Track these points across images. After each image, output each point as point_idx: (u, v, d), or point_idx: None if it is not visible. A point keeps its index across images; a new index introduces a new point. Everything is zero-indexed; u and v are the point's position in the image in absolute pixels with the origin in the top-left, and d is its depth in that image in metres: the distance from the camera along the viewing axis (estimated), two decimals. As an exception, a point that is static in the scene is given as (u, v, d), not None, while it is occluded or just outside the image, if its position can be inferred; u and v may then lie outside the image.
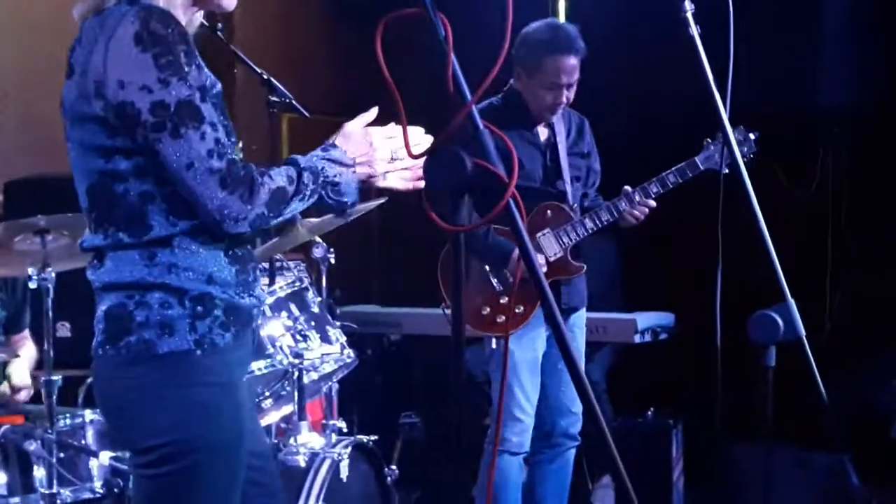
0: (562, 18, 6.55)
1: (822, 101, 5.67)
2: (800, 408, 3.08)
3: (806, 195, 5.98)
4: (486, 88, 1.96)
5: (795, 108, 5.66)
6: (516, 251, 4.20)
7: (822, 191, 6.03)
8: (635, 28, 5.96)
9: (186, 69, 2.20)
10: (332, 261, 4.36)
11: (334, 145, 2.41)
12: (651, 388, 5.55)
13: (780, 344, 2.65)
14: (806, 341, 2.62)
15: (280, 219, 2.30)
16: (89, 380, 4.76)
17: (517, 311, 4.24)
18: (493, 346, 4.36)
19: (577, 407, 4.40)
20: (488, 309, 4.29)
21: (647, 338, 5.46)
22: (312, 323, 3.95)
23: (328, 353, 3.92)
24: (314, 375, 3.95)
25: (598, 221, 4.32)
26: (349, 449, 3.83)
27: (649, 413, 5.23)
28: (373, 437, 4.08)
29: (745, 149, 4.27)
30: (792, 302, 2.63)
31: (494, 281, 4.33)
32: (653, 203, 4.32)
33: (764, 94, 5.50)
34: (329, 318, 4.09)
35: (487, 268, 4.34)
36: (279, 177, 2.29)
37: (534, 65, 4.24)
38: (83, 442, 3.62)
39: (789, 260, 2.67)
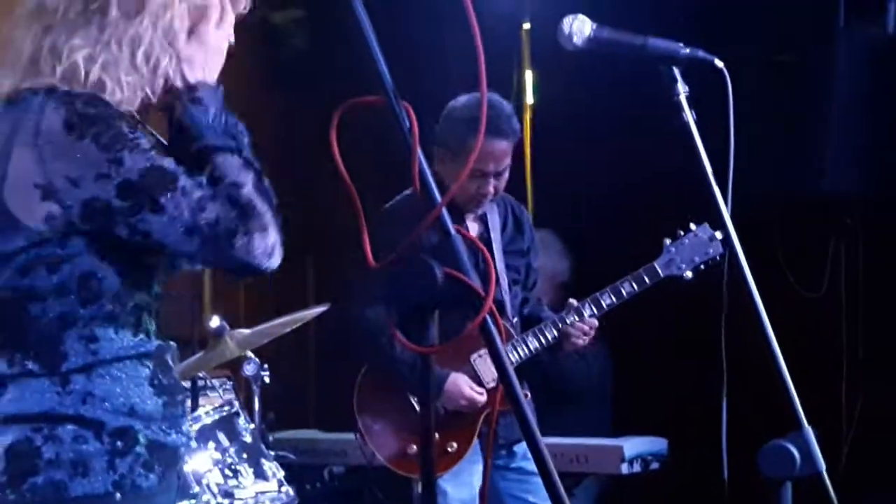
0: (528, 94, 6.69)
1: (831, 188, 5.78)
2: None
3: (816, 296, 6.07)
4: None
5: (801, 196, 5.78)
6: (451, 378, 4.21)
7: (833, 291, 6.12)
8: (611, 106, 6.09)
9: (132, 137, 2.23)
10: (266, 379, 4.37)
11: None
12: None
13: (795, 479, 2.68)
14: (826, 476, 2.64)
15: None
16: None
17: (449, 449, 4.22)
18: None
19: None
20: (414, 447, 4.20)
21: (637, 468, 5.46)
22: (244, 455, 3.94)
23: (263, 492, 3.92)
24: (246, 519, 3.93)
25: (543, 340, 4.27)
26: None
27: (641, 556, 5.24)
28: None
29: (710, 250, 4.31)
30: (809, 430, 2.66)
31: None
32: (595, 323, 4.27)
33: (762, 180, 5.59)
34: (263, 448, 4.09)
35: (413, 399, 4.23)
36: (240, 172, 2.29)
37: (457, 147, 4.12)
38: None
39: (799, 373, 2.70)
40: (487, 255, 1.99)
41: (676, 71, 2.68)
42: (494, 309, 1.98)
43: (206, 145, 2.30)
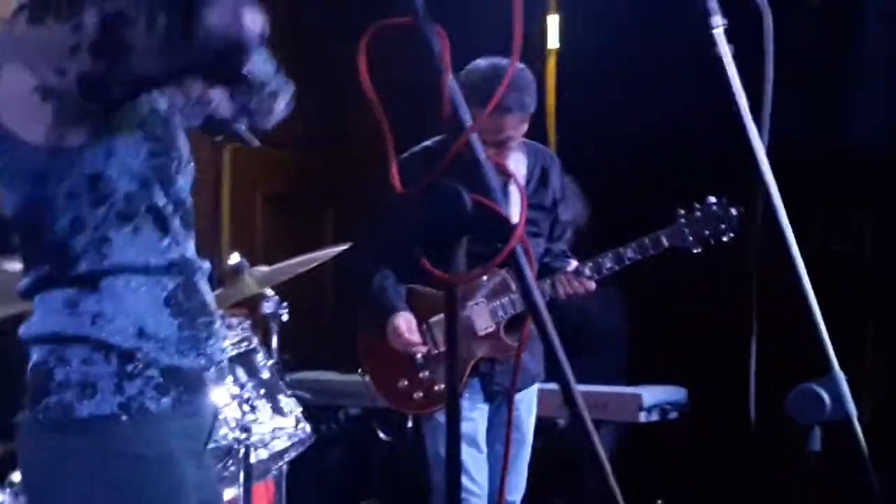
0: (552, 39, 6.59)
1: (861, 141, 5.71)
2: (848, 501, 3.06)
3: (843, 249, 6.01)
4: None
5: (832, 149, 5.71)
6: (393, 317, 4.29)
7: (860, 243, 6.06)
8: (636, 54, 6.01)
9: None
10: (285, 318, 4.33)
11: None
12: (659, 475, 5.52)
13: (825, 424, 2.63)
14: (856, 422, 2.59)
15: None
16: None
17: (437, 389, 4.31)
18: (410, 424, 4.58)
19: (516, 495, 4.44)
20: (405, 382, 4.36)
21: (655, 416, 5.45)
22: (262, 391, 3.92)
23: (280, 428, 3.89)
24: (263, 454, 3.91)
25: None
26: (302, 543, 3.79)
27: (658, 505, 5.23)
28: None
29: (723, 226, 4.25)
30: (840, 373, 2.61)
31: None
32: (592, 286, 4.28)
33: (795, 131, 5.53)
34: (281, 384, 4.06)
35: None
36: None
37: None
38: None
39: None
40: (520, 182, 1.92)
41: (714, 1, 2.61)
42: (525, 237, 1.92)
43: None
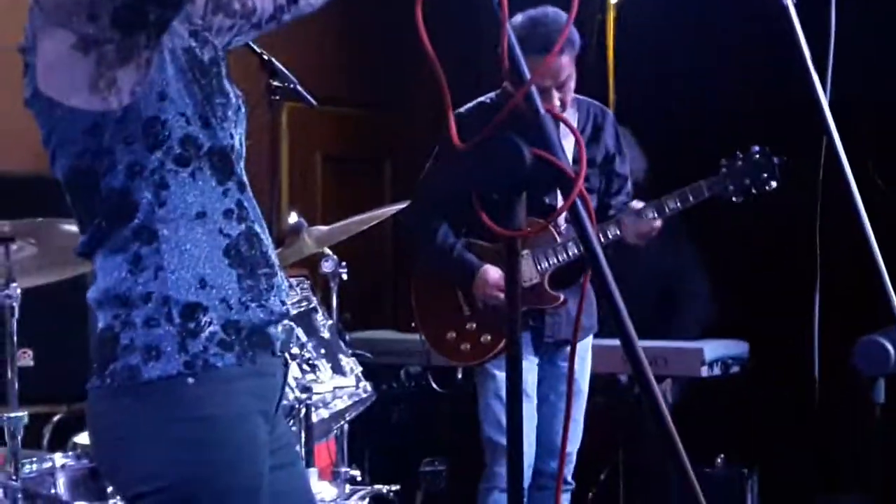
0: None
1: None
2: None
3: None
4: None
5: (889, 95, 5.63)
6: (485, 267, 4.34)
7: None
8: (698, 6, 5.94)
9: None
10: (344, 276, 4.34)
11: None
12: (722, 430, 5.50)
13: (890, 376, 2.61)
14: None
15: None
16: (56, 417, 4.76)
17: (482, 340, 4.38)
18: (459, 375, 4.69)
19: (573, 445, 4.46)
20: (453, 334, 4.45)
21: (717, 371, 5.42)
22: (322, 350, 3.93)
23: (341, 387, 3.91)
24: (324, 413, 3.92)
25: (603, 238, 4.27)
26: (365, 501, 3.80)
27: (719, 460, 5.19)
28: (392, 488, 4.06)
29: (766, 175, 4.21)
30: (905, 325, 2.58)
31: (465, 304, 4.42)
32: (658, 223, 4.28)
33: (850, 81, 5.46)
34: (342, 344, 4.07)
35: (456, 288, 4.46)
36: None
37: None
38: (53, 491, 3.59)
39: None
40: (579, 135, 1.91)
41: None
42: (584, 191, 1.91)
43: None
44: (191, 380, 2.21)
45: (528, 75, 1.92)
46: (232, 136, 2.32)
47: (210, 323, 2.24)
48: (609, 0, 6.48)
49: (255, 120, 4.49)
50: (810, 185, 2.88)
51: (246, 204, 2.33)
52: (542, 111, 1.93)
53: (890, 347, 2.57)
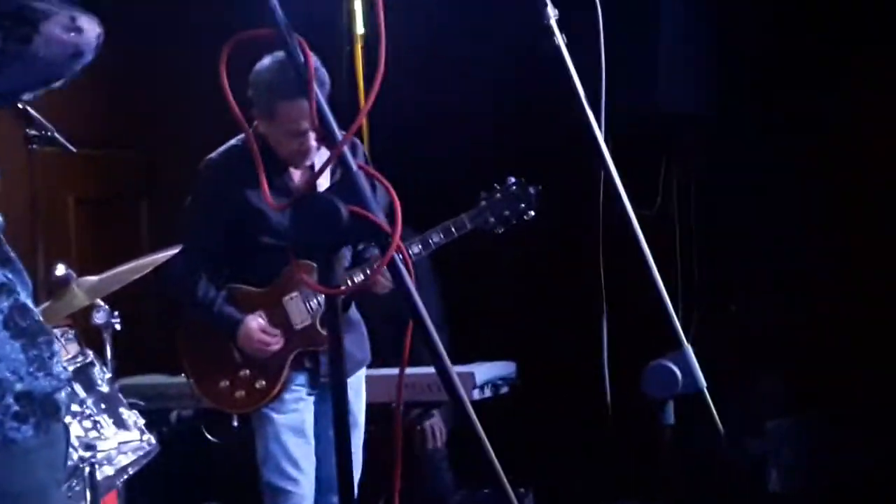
0: (359, 24, 6.56)
1: (662, 107, 5.85)
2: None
3: (650, 214, 6.17)
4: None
5: (633, 116, 5.85)
6: (246, 321, 4.27)
7: (666, 209, 6.23)
8: (451, 41, 6.04)
9: None
10: (118, 326, 4.27)
11: None
12: (496, 451, 5.59)
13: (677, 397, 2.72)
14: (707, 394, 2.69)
15: None
16: None
17: (257, 386, 4.32)
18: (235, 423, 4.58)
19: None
20: (226, 382, 4.36)
21: (488, 393, 5.50)
22: (102, 406, 3.87)
23: (125, 442, 3.83)
24: (109, 470, 3.85)
25: (369, 272, 4.17)
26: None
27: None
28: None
29: (523, 205, 4.38)
30: (689, 348, 2.70)
31: (235, 352, 4.36)
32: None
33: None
34: (121, 397, 4.00)
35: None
36: None
37: (267, 110, 4.15)
38: None
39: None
40: (391, 190, 1.95)
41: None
42: (402, 245, 1.94)
43: None
44: None
45: (339, 136, 1.94)
46: None
47: (4, 394, 2.17)
48: (356, 32, 6.53)
49: (14, 168, 4.37)
50: (590, 209, 2.98)
51: (12, 277, 2.27)
52: (355, 168, 1.96)
53: (677, 371, 2.68)
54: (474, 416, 2.01)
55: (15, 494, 2.18)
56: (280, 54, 4.09)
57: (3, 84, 2.12)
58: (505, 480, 2.03)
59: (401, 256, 1.94)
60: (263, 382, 4.31)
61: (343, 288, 1.97)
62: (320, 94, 4.08)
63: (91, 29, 2.16)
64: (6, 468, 2.16)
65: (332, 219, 1.92)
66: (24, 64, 2.09)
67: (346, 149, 1.95)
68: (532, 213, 4.37)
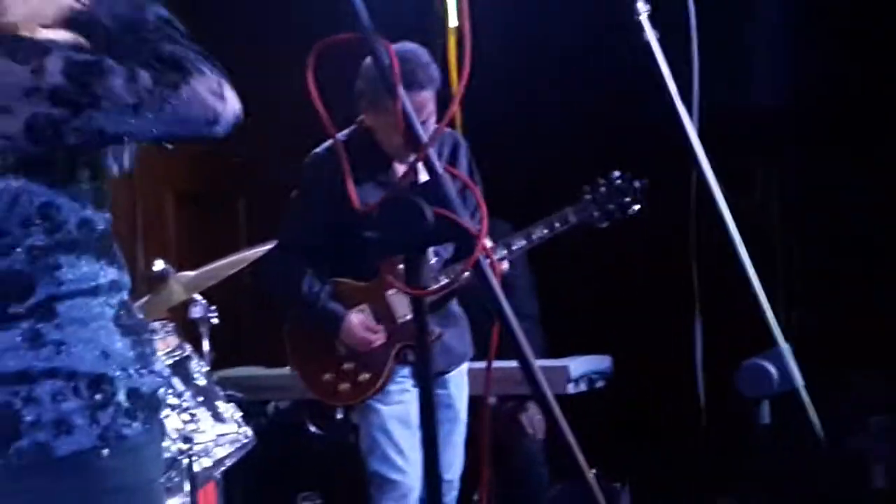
0: (452, 17, 6.55)
1: (760, 103, 5.79)
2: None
3: (750, 206, 6.11)
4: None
5: (726, 112, 5.79)
6: (349, 317, 4.30)
7: (766, 201, 6.16)
8: (543, 30, 6.02)
9: (43, 41, 2.13)
10: (215, 321, 4.32)
11: None
12: (591, 445, 5.57)
13: (773, 397, 2.68)
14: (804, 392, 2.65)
15: None
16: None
17: (360, 379, 4.35)
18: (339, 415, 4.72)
19: (452, 473, 4.51)
20: (331, 375, 4.39)
21: (583, 387, 5.48)
22: (200, 398, 3.91)
23: (222, 434, 3.88)
24: (207, 462, 3.90)
25: (454, 276, 4.22)
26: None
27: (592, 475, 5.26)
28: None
29: (628, 199, 4.35)
30: (786, 347, 2.66)
31: (340, 345, 4.39)
32: (504, 266, 4.30)
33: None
34: (218, 390, 4.05)
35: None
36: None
37: (376, 102, 4.20)
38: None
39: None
40: (478, 193, 1.95)
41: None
42: (487, 247, 1.94)
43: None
44: (105, 451, 2.19)
45: (424, 138, 1.94)
46: (103, 215, 2.32)
47: (115, 392, 2.22)
48: (448, 24, 6.52)
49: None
50: (683, 205, 2.94)
51: (114, 276, 2.31)
52: (441, 171, 1.95)
53: (772, 370, 2.65)
54: (558, 412, 2.00)
55: (130, 489, 2.23)
56: (395, 46, 4.16)
57: (137, 126, 2.15)
58: (590, 475, 2.01)
59: (487, 259, 1.93)
60: (367, 375, 4.34)
61: (428, 290, 1.96)
62: (430, 90, 4.17)
63: (233, 103, 2.20)
64: (121, 464, 2.21)
65: (418, 221, 1.92)
66: (161, 111, 2.12)
67: (432, 152, 1.94)
68: (637, 207, 4.34)
